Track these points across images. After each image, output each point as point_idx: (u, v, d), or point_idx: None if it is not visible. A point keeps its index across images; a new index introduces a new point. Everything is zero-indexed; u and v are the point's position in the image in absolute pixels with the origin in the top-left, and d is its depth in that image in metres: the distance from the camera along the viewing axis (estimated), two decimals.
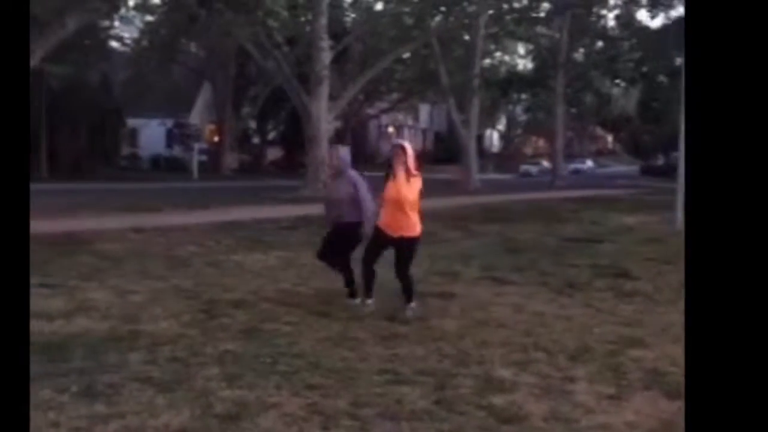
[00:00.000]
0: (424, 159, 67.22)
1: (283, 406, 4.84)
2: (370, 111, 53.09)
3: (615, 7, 45.58)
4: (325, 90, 27.93)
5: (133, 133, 50.18)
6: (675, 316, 7.92)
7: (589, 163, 78.03)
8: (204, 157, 45.28)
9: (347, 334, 6.72)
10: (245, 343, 6.33)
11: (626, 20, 46.02)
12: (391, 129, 72.11)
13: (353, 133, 51.27)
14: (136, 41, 40.20)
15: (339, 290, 8.47)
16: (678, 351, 6.46)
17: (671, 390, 5.37)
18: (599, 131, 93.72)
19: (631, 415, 4.90)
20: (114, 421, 4.50)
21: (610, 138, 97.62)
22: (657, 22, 66.84)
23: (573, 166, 67.16)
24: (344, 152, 8.63)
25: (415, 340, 6.61)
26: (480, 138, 60.28)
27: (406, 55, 38.32)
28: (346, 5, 38.05)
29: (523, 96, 61.13)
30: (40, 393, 4.73)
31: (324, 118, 28.02)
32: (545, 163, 62.74)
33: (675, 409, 5.02)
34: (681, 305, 8.56)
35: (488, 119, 70.03)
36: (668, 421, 4.81)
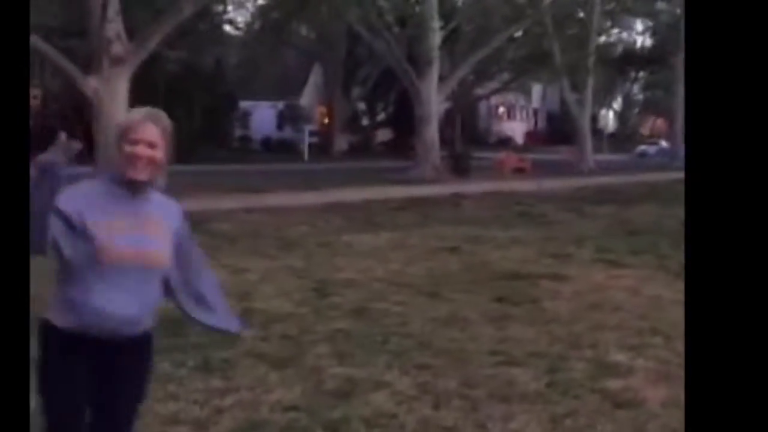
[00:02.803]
0: (536, 139, 66.37)
1: (393, 384, 4.84)
2: (480, 91, 52.48)
3: None
4: (434, 71, 27.78)
5: (245, 116, 51.10)
6: None
7: None
8: (314, 139, 45.83)
9: (457, 315, 6.67)
10: (355, 322, 6.37)
11: None
12: (501, 109, 71.33)
13: (464, 113, 50.88)
14: (249, 25, 40.92)
15: (449, 271, 8.43)
16: None
17: None
18: None
19: None
20: (229, 395, 4.59)
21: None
22: None
23: None
24: None
25: (527, 321, 6.50)
26: (594, 118, 58.84)
27: (518, 33, 37.67)
28: None
29: (641, 74, 59.38)
30: (159, 366, 4.87)
31: (434, 99, 27.89)
32: (663, 144, 60.81)
33: None
34: None
35: (603, 98, 68.35)
36: None
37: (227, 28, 43.61)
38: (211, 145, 39.08)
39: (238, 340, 5.69)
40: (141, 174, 2.61)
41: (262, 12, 35.86)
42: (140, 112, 2.71)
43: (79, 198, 2.58)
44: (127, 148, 2.58)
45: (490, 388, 4.81)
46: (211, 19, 37.55)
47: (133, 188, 2.63)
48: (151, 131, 2.63)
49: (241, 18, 43.77)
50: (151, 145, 2.62)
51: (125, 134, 2.60)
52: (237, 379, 4.89)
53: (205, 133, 38.81)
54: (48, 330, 2.64)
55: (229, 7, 40.17)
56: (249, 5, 40.36)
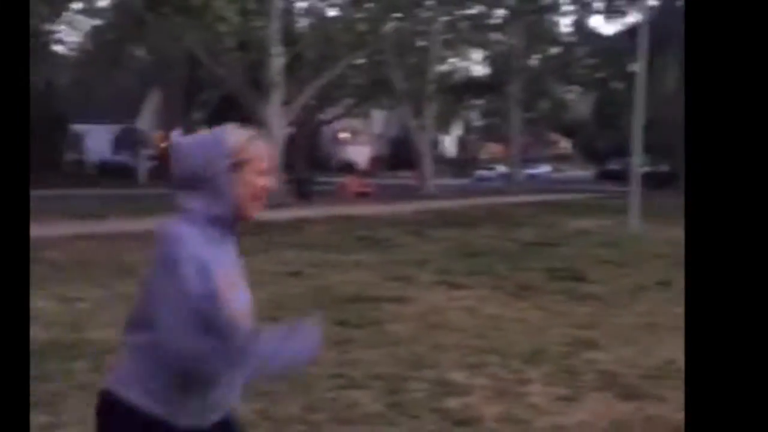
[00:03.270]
0: (378, 164, 67.23)
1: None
2: (324, 117, 52.88)
3: (569, 13, 46.06)
4: (277, 96, 27.74)
5: (79, 139, 49.33)
6: (629, 319, 7.94)
7: (546, 167, 78.50)
8: (153, 163, 44.73)
9: None
10: None
11: (580, 27, 46.56)
12: (344, 134, 72.00)
13: (307, 138, 51.04)
14: (81, 45, 39.53)
15: (290, 296, 8.35)
16: (631, 352, 6.46)
17: (624, 391, 5.36)
18: (555, 136, 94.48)
19: (584, 416, 4.86)
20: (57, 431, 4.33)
21: (566, 143, 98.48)
22: (611, 29, 67.52)
23: (529, 170, 67.54)
24: None
25: (368, 344, 6.51)
26: (435, 143, 60.39)
27: (360, 60, 38.24)
28: (298, 11, 37.87)
29: (479, 101, 61.49)
30: None
31: (277, 124, 27.83)
32: (501, 168, 63.07)
33: (627, 409, 5.00)
34: (635, 307, 8.62)
35: (444, 125, 70.26)
36: (621, 421, 4.78)
37: (59, 48, 41.99)
38: (42, 169, 37.38)
39: (69, 372, 5.41)
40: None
41: (95, 33, 34.70)
42: (254, 135, 2.23)
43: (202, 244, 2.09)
44: (258, 181, 2.17)
45: (332, 412, 4.77)
46: (38, 39, 35.99)
47: (238, 229, 2.23)
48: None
49: (73, 38, 42.27)
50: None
51: (253, 164, 2.15)
52: (65, 413, 4.62)
53: (35, 156, 37.11)
54: (119, 410, 2.08)
55: (61, 27, 38.69)
56: (83, 25, 38.99)
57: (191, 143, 2.20)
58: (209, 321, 2.03)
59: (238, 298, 2.16)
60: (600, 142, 67.47)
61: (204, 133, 2.24)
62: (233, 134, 2.19)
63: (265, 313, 7.56)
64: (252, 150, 2.17)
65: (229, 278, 2.15)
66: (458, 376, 5.62)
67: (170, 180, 2.22)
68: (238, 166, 2.13)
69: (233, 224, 2.23)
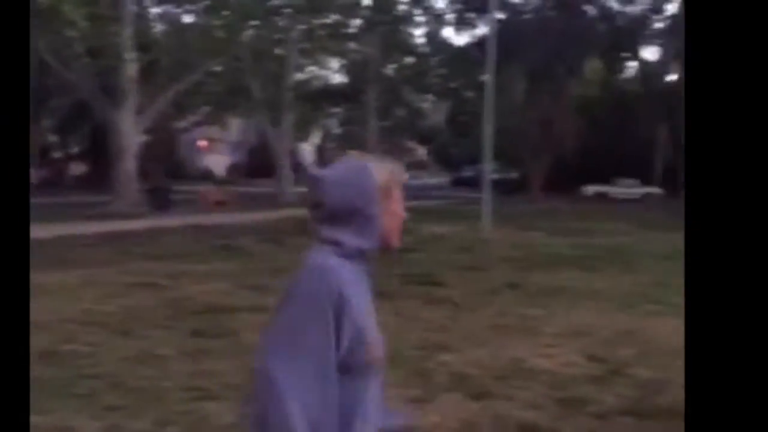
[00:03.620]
0: (237, 173, 66.47)
1: (80, 429, 4.58)
2: (182, 124, 51.86)
3: (422, 24, 47.09)
4: (131, 103, 27.04)
5: None
6: (480, 321, 8.22)
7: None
8: None
9: (152, 352, 6.48)
10: (41, 366, 5.94)
11: (433, 38, 47.70)
12: (203, 142, 70.82)
13: (164, 147, 49.91)
14: None
15: (144, 307, 8.18)
16: (481, 354, 6.69)
17: (474, 391, 5.55)
18: (411, 144, 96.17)
19: (436, 417, 5.01)
20: None
21: (421, 151, 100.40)
22: (462, 40, 69.38)
23: None
24: None
25: (223, 355, 6.47)
26: (294, 151, 60.29)
27: (218, 68, 37.76)
28: (153, 17, 37.04)
29: (337, 110, 61.89)
30: None
31: (131, 132, 27.13)
32: None
33: (477, 408, 5.19)
34: (486, 310, 8.92)
35: (302, 133, 70.25)
36: (470, 421, 4.96)
37: None
38: None
39: None
40: None
41: None
42: (395, 165, 2.14)
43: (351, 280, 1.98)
44: (400, 210, 2.11)
45: (185, 425, 4.73)
46: None
47: (372, 261, 2.08)
48: None
49: None
50: None
51: (397, 193, 2.09)
52: None
53: None
54: None
55: None
56: None
57: (342, 175, 2.06)
58: (348, 364, 1.93)
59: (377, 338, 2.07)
60: (454, 150, 69.28)
61: (346, 165, 2.10)
62: (380, 165, 2.09)
63: (119, 326, 7.42)
64: (396, 179, 2.12)
65: (371, 316, 2.04)
66: None
67: (311, 213, 2.07)
68: (386, 196, 2.06)
69: (375, 256, 2.10)
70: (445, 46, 48.59)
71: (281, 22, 33.64)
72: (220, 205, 30.77)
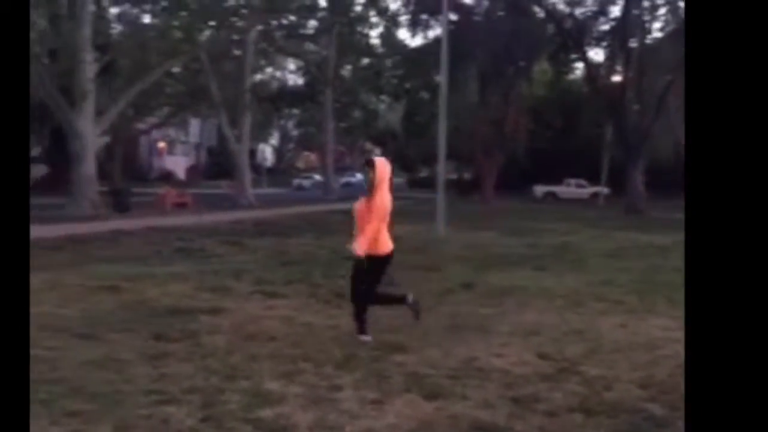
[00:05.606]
0: (196, 174, 66.11)
1: None
2: (141, 126, 51.46)
3: (377, 25, 47.29)
4: (90, 104, 26.83)
5: None
6: (434, 321, 8.40)
7: (359, 176, 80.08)
8: None
9: (112, 356, 6.56)
10: None
11: (388, 39, 47.92)
12: (162, 144, 70.30)
13: (123, 148, 49.48)
14: None
15: (105, 311, 8.24)
16: (436, 353, 6.88)
17: (429, 391, 5.72)
18: (368, 145, 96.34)
19: (393, 418, 5.17)
20: None
21: (378, 151, 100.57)
22: (417, 42, 69.84)
23: (344, 179, 68.62)
24: None
25: (184, 357, 6.56)
26: (253, 152, 60.14)
27: (176, 69, 37.58)
28: (111, 17, 36.74)
29: (295, 111, 61.87)
30: None
31: (90, 134, 26.92)
32: (317, 177, 63.65)
33: (432, 409, 5.36)
34: (441, 309, 9.11)
35: (261, 134, 70.03)
36: (426, 421, 5.12)
37: None
38: None
39: None
40: None
41: None
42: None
43: None
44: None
45: (146, 429, 4.83)
46: None
47: None
48: None
49: None
50: None
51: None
52: None
53: None
54: None
55: None
56: None
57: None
58: None
59: None
60: (410, 151, 69.54)
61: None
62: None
63: (79, 330, 7.47)
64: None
65: None
66: (273, 386, 5.80)
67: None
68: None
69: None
70: (400, 47, 48.87)
71: (239, 23, 33.57)
72: (179, 206, 30.66)
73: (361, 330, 7.45)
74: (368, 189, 7.31)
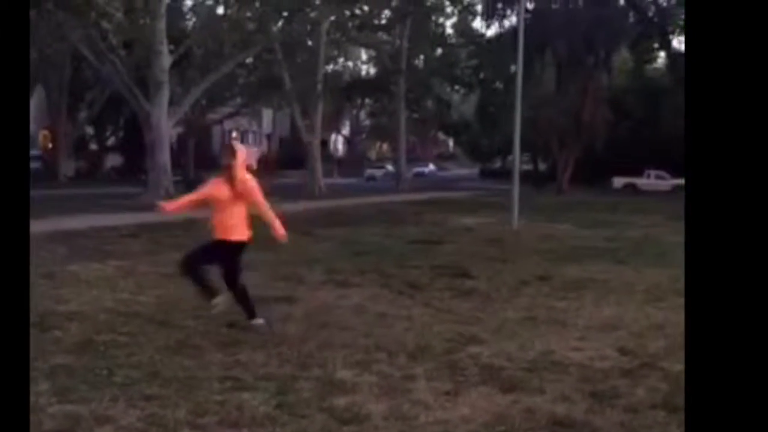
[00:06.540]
0: (269, 164, 66.88)
1: (118, 419, 4.70)
2: (213, 116, 52.21)
3: (452, 15, 46.95)
4: (165, 95, 27.31)
5: None
6: (510, 313, 8.25)
7: (432, 166, 79.90)
8: (37, 165, 43.19)
9: (187, 342, 6.60)
10: (79, 356, 6.10)
11: (463, 29, 47.56)
12: (234, 134, 71.23)
13: (197, 138, 50.30)
14: None
15: (179, 298, 8.31)
16: (511, 346, 6.73)
17: (505, 384, 5.59)
18: (441, 136, 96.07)
19: (467, 410, 5.06)
20: None
21: (451, 142, 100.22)
22: (492, 31, 69.26)
23: (416, 169, 68.56)
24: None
25: (257, 345, 6.56)
26: (325, 143, 60.48)
27: (249, 60, 37.97)
28: (186, 9, 37.30)
29: (367, 101, 61.99)
30: None
31: (165, 124, 27.41)
32: (389, 167, 63.69)
33: (508, 402, 5.23)
34: (516, 302, 8.94)
35: (332, 124, 70.42)
36: (501, 414, 5.00)
37: None
38: None
39: None
40: None
41: None
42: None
43: None
44: None
45: (221, 415, 4.82)
46: None
47: None
48: None
49: None
50: None
51: None
52: None
53: None
54: None
55: None
56: None
57: None
58: None
59: None
60: (483, 141, 69.10)
61: None
62: None
63: (155, 316, 7.55)
64: None
65: None
66: (346, 375, 5.75)
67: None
68: None
69: None
70: (475, 37, 48.45)
71: (312, 14, 33.71)
72: None
73: (250, 314, 7.23)
74: (228, 174, 7.05)
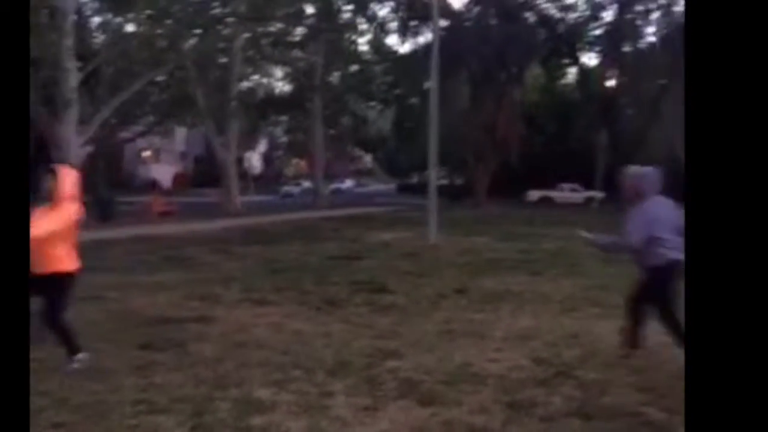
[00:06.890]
0: (183, 182, 65.89)
1: None
2: (125, 135, 51.18)
3: (366, 32, 47.23)
4: (73, 114, 26.62)
5: None
6: (428, 327, 8.28)
7: (349, 182, 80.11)
8: None
9: (98, 367, 6.40)
10: None
11: (378, 45, 47.89)
12: (147, 153, 69.99)
13: (108, 157, 49.20)
14: None
15: (90, 321, 8.08)
16: (430, 359, 6.75)
17: (424, 398, 5.60)
18: (357, 152, 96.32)
19: (386, 425, 5.04)
20: None
21: (368, 158, 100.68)
22: (407, 48, 69.82)
23: (333, 186, 68.56)
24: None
25: (172, 367, 6.42)
26: (240, 160, 59.91)
27: (161, 77, 37.36)
28: (94, 26, 36.53)
29: (282, 118, 61.70)
30: None
31: (74, 143, 26.71)
32: (306, 184, 63.52)
33: (426, 415, 5.23)
34: (434, 315, 8.98)
35: (248, 141, 69.81)
36: (420, 428, 5.00)
37: None
38: None
39: None
40: None
41: None
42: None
43: None
44: None
45: None
46: None
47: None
48: None
49: None
50: None
51: None
52: None
53: None
54: None
55: None
56: None
57: None
58: None
59: None
60: (400, 157, 69.56)
61: None
62: None
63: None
64: None
65: None
66: (264, 393, 5.67)
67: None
68: None
69: None
70: (390, 53, 48.84)
71: (225, 31, 33.39)
72: (165, 215, 30.47)
73: (72, 351, 6.45)
74: (50, 199, 6.36)
